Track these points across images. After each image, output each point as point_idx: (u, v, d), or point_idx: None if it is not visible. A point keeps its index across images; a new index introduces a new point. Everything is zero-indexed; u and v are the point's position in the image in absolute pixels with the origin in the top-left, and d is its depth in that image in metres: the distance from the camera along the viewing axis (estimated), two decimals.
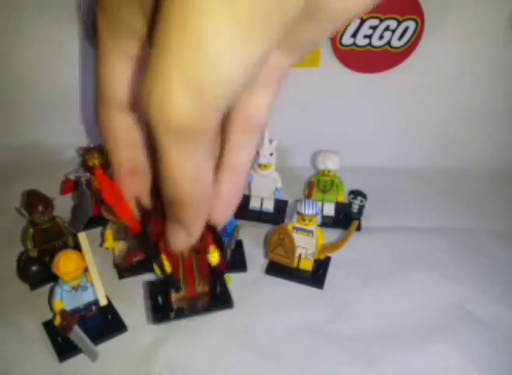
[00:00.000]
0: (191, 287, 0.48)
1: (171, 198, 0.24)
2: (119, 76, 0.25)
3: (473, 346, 0.55)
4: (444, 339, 0.56)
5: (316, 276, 0.64)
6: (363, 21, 0.82)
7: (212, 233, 0.43)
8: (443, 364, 0.53)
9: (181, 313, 0.49)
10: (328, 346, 0.54)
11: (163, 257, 0.44)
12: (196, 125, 0.18)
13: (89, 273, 0.52)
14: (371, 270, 0.65)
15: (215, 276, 0.48)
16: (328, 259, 0.66)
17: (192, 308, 0.48)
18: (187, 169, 0.21)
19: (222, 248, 0.48)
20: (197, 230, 0.28)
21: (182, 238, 0.29)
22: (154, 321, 0.53)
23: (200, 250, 0.44)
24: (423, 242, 0.71)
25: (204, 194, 0.24)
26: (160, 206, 0.41)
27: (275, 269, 0.65)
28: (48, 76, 0.91)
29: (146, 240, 0.40)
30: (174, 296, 0.48)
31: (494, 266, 0.68)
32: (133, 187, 0.31)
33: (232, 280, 0.62)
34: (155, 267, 0.45)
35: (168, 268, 0.45)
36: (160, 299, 0.50)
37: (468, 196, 0.85)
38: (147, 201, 0.32)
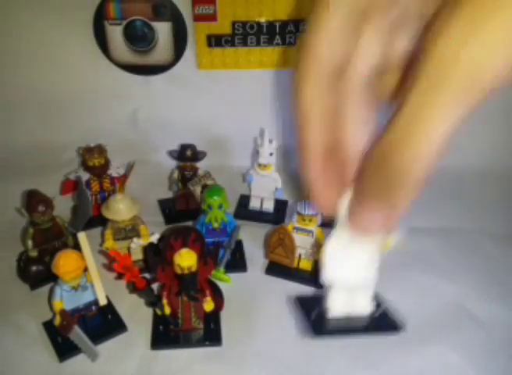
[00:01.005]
0: (188, 323, 0.55)
1: (398, 176, 0.22)
2: (334, 39, 0.22)
3: (470, 345, 0.55)
4: (442, 339, 0.56)
5: (316, 276, 0.64)
6: None
7: (211, 286, 0.54)
8: (441, 364, 0.53)
9: (176, 342, 0.55)
10: (328, 347, 0.54)
11: (164, 302, 0.53)
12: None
13: (89, 272, 0.52)
14: None
15: (210, 317, 0.55)
16: None
17: (186, 339, 0.55)
18: (442, 131, 0.21)
19: (220, 294, 0.56)
20: (405, 206, 0.24)
21: (379, 219, 0.24)
22: (152, 346, 0.54)
23: (197, 299, 0.52)
24: (421, 242, 0.71)
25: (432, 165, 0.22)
26: (169, 257, 0.50)
27: (275, 269, 0.65)
28: (48, 77, 0.91)
29: (150, 290, 0.52)
30: (172, 327, 0.55)
31: (491, 266, 0.68)
32: (328, 175, 0.25)
33: (232, 280, 0.62)
34: (157, 309, 0.54)
35: (167, 311, 0.53)
36: (161, 328, 0.56)
37: (466, 197, 0.85)
38: (343, 183, 0.25)
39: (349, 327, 0.38)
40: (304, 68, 0.22)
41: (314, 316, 0.38)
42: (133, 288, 0.52)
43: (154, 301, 0.54)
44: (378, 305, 0.38)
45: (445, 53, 0.18)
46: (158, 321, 0.56)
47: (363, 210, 0.24)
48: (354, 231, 0.25)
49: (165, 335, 0.55)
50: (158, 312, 0.54)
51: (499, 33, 0.17)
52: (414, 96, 0.19)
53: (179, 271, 0.49)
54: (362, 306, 0.36)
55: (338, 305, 0.36)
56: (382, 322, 0.40)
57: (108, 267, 0.62)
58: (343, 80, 0.23)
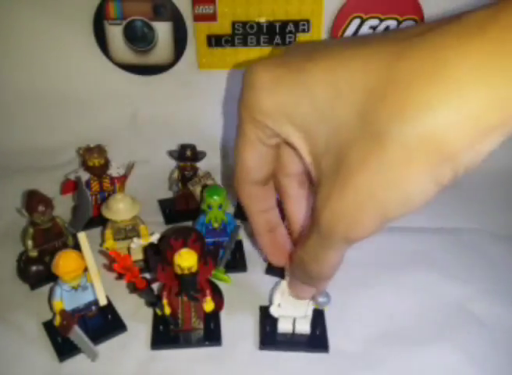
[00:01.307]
0: (188, 323, 0.55)
1: (313, 276, 0.32)
2: (259, 160, 0.30)
3: (472, 346, 0.55)
4: (443, 339, 0.56)
5: None
6: (363, 21, 0.82)
7: (211, 286, 0.54)
8: (443, 364, 0.53)
9: (176, 342, 0.55)
10: (334, 351, 0.54)
11: (164, 302, 0.53)
12: (367, 237, 0.24)
13: (89, 272, 0.52)
14: (371, 270, 0.65)
15: (210, 317, 0.56)
16: None
17: (186, 339, 0.55)
18: (336, 259, 0.29)
19: (220, 294, 0.57)
20: (324, 287, 0.38)
21: (310, 293, 0.40)
22: (152, 346, 0.54)
23: (197, 299, 0.52)
24: (422, 242, 0.71)
25: (336, 270, 0.31)
26: (169, 258, 0.50)
27: (275, 269, 0.64)
28: (47, 76, 0.91)
29: (150, 290, 0.53)
30: (172, 327, 0.55)
31: (493, 265, 0.68)
32: (271, 241, 0.36)
33: (232, 280, 0.62)
34: (157, 309, 0.54)
35: (167, 311, 0.53)
36: (161, 328, 0.56)
37: (468, 196, 0.84)
38: (287, 247, 0.38)
39: (293, 342, 0.54)
40: (239, 177, 0.31)
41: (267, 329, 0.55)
42: (133, 288, 0.52)
43: (154, 302, 0.54)
44: (315, 326, 0.55)
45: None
46: (158, 321, 0.56)
47: (295, 287, 0.41)
48: (292, 295, 0.43)
49: (165, 335, 0.55)
50: (158, 312, 0.54)
51: None
52: (315, 233, 0.26)
53: (179, 271, 0.49)
54: (303, 328, 0.54)
55: (284, 326, 0.54)
56: (316, 341, 0.54)
57: (109, 267, 0.62)
58: (278, 176, 0.33)
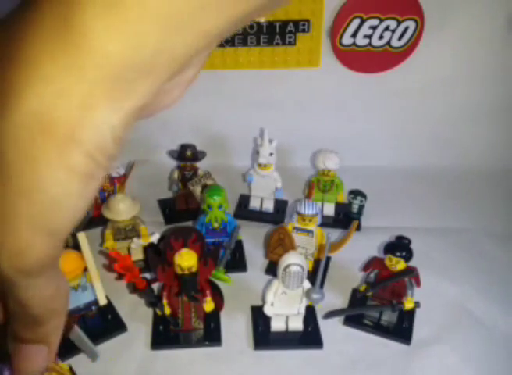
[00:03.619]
0: (188, 323, 0.55)
1: (29, 320, 0.22)
2: None
3: (471, 345, 0.55)
4: (442, 339, 0.56)
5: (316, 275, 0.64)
6: (363, 21, 0.82)
7: (211, 286, 0.54)
8: (442, 364, 0.53)
9: (176, 342, 0.55)
10: (328, 348, 0.54)
11: (164, 302, 0.53)
12: (49, 260, 0.19)
13: (89, 272, 0.52)
14: None
15: (210, 317, 0.56)
16: (328, 259, 0.66)
17: (186, 339, 0.55)
18: (42, 291, 0.21)
19: (220, 294, 0.57)
20: (56, 343, 0.25)
21: (42, 355, 0.25)
22: (152, 346, 0.54)
23: (197, 300, 0.52)
24: (422, 242, 0.71)
25: (60, 305, 0.23)
26: (169, 258, 0.50)
27: (275, 269, 0.64)
28: None
29: (150, 291, 0.53)
30: (173, 327, 0.55)
31: (492, 265, 0.68)
32: None
33: (232, 280, 0.62)
34: (157, 309, 0.54)
35: (167, 311, 0.53)
36: (161, 328, 0.56)
37: (467, 196, 0.85)
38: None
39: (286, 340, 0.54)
40: None
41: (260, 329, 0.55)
42: (133, 288, 0.52)
43: (154, 302, 0.54)
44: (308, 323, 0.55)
45: None
46: (158, 321, 0.56)
47: (22, 359, 0.25)
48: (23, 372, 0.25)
49: (165, 335, 0.55)
50: (158, 312, 0.54)
51: None
52: None
53: (179, 271, 0.49)
54: (296, 325, 0.55)
55: (278, 324, 0.55)
56: (309, 338, 0.55)
57: (109, 267, 0.62)
58: None
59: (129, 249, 0.64)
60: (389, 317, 0.57)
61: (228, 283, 0.61)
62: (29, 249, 0.18)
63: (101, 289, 0.53)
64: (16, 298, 0.21)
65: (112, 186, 0.75)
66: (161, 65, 0.16)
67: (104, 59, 0.16)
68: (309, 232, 0.62)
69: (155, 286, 0.58)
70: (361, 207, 0.74)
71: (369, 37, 0.84)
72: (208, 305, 0.54)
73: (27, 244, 0.18)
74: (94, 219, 0.72)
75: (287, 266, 0.50)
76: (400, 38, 0.84)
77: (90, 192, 0.18)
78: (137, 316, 0.58)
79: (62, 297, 0.23)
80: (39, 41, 0.16)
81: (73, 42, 0.15)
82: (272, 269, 0.65)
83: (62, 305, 0.23)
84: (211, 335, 0.55)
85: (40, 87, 0.16)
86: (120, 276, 0.51)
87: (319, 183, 0.75)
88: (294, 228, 0.63)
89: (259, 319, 0.56)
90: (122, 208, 0.62)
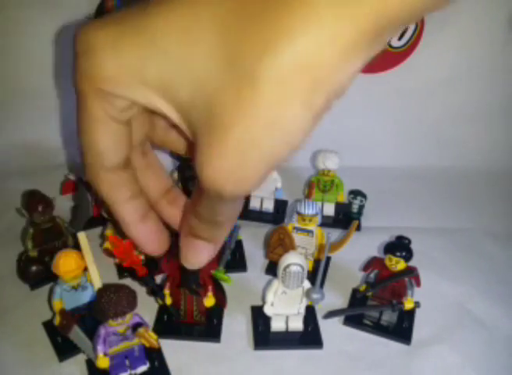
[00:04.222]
0: (190, 316, 0.55)
1: (212, 222, 0.27)
2: (113, 141, 0.26)
3: (471, 345, 0.55)
4: (442, 339, 0.56)
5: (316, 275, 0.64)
6: None
7: (213, 281, 0.55)
8: (441, 364, 0.53)
9: (178, 333, 0.55)
10: (328, 348, 0.54)
11: (166, 292, 0.54)
12: (245, 192, 0.22)
13: (89, 272, 0.52)
14: None
15: (214, 313, 0.56)
16: (328, 259, 0.66)
17: (188, 331, 0.55)
18: (231, 209, 0.26)
19: (222, 292, 0.56)
20: (219, 246, 0.31)
21: (208, 252, 0.31)
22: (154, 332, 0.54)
23: (198, 293, 0.53)
24: (422, 242, 0.71)
25: (236, 217, 0.28)
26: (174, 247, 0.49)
27: (275, 269, 0.64)
28: (47, 76, 0.91)
29: (151, 278, 0.54)
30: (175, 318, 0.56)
31: (492, 265, 0.68)
32: (145, 230, 0.31)
33: (232, 280, 0.62)
34: (158, 299, 0.55)
35: (168, 301, 0.54)
36: (165, 317, 0.56)
37: (467, 196, 0.85)
38: (162, 231, 0.32)
39: (286, 340, 0.54)
40: (92, 165, 0.27)
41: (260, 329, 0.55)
42: (133, 276, 0.52)
43: (155, 290, 0.54)
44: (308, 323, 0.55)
45: None
46: (163, 310, 0.56)
47: (188, 247, 0.31)
48: (185, 262, 0.32)
49: (168, 325, 0.55)
50: (159, 302, 0.55)
51: None
52: (204, 194, 0.24)
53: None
54: (296, 325, 0.55)
55: (278, 324, 0.55)
56: (309, 337, 0.55)
57: (107, 252, 0.62)
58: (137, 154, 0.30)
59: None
60: (389, 317, 0.57)
61: (228, 283, 0.61)
62: (254, 177, 0.21)
63: None
64: (212, 208, 0.24)
65: None
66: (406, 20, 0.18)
67: (381, 11, 0.16)
68: (309, 232, 0.62)
69: (158, 279, 0.59)
70: (361, 207, 0.74)
71: None
72: (209, 300, 0.54)
73: (254, 172, 0.20)
74: (94, 219, 0.72)
75: (287, 266, 0.50)
76: (400, 38, 0.84)
77: (311, 131, 0.20)
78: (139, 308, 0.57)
79: (239, 211, 0.28)
80: None
81: None
82: (272, 269, 0.65)
83: (236, 217, 0.28)
84: (212, 331, 0.55)
85: (314, 31, 0.17)
86: (121, 262, 0.51)
87: (319, 183, 0.75)
88: (294, 228, 0.63)
89: (259, 319, 0.56)
90: None
